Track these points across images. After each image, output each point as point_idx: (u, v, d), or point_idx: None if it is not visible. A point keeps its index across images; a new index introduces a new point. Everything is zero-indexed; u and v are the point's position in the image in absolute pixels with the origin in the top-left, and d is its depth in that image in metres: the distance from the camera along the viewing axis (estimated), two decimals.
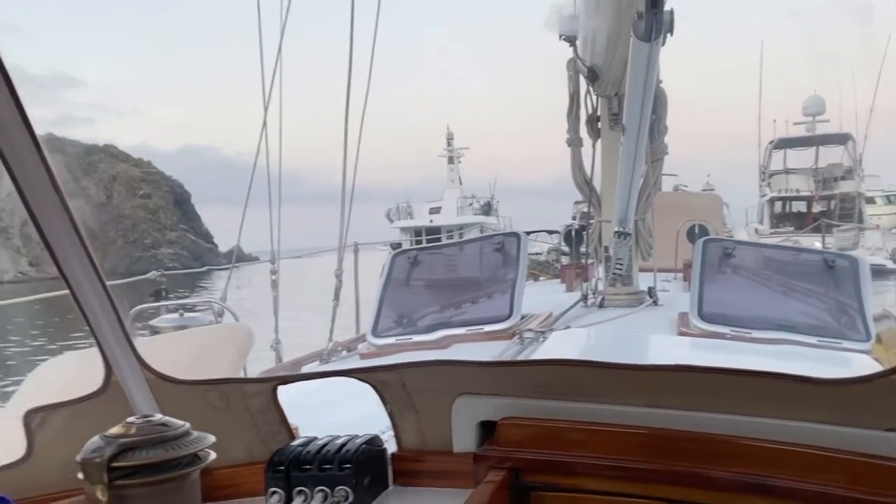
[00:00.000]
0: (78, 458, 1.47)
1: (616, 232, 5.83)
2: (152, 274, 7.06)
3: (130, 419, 1.54)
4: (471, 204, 47.97)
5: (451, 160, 50.35)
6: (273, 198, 7.58)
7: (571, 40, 6.33)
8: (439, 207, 47.01)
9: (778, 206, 34.82)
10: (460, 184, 49.58)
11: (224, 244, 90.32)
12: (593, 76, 6.14)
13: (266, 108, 7.34)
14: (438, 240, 45.20)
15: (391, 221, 46.28)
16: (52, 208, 1.82)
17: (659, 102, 5.86)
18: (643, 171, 5.67)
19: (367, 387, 2.06)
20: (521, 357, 3.94)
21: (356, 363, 5.22)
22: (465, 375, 1.95)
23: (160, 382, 2.09)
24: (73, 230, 1.85)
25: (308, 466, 1.85)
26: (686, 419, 1.69)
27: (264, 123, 7.33)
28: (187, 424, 1.53)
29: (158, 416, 1.54)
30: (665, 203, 6.69)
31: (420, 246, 6.60)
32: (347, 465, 1.82)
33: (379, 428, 2.13)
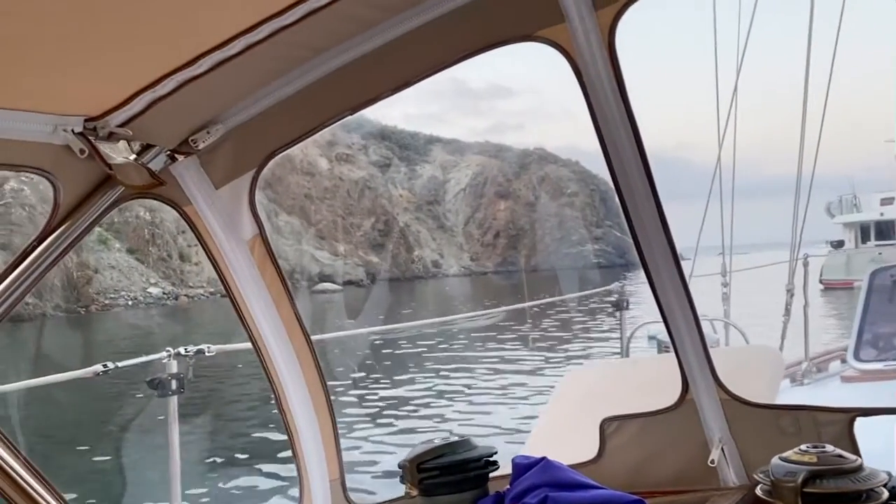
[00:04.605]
0: (762, 476, 1.63)
1: None
2: (615, 286, 7.48)
3: (804, 447, 1.64)
4: None
5: None
6: (725, 212, 7.54)
7: None
8: (892, 198, 41.59)
9: None
10: None
11: None
12: None
13: (733, 104, 7.42)
14: (890, 237, 40.15)
15: (832, 216, 42.39)
16: (653, 229, 2.09)
17: None
18: None
19: None
20: None
21: (837, 386, 5.06)
22: None
23: (733, 403, 2.24)
24: (670, 250, 2.10)
25: None
26: None
27: (727, 119, 7.41)
28: (860, 458, 1.58)
29: (830, 448, 1.62)
30: None
31: None
32: None
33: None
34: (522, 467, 2.02)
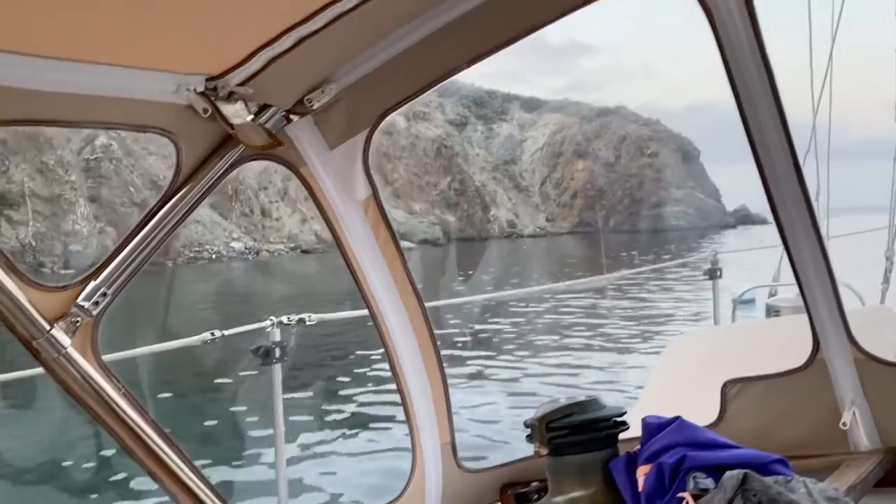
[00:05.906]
0: None
1: None
2: (709, 253, 7.34)
3: None
4: None
5: None
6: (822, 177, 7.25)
7: None
8: None
9: None
10: None
11: (731, 203, 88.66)
12: None
13: (828, 72, 7.12)
14: None
15: None
16: (789, 187, 2.02)
17: None
18: None
19: None
20: None
21: None
22: None
23: (868, 363, 2.16)
24: (807, 208, 2.03)
25: None
26: None
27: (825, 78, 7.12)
28: None
29: None
30: None
31: None
32: None
33: None
34: (654, 427, 1.98)
